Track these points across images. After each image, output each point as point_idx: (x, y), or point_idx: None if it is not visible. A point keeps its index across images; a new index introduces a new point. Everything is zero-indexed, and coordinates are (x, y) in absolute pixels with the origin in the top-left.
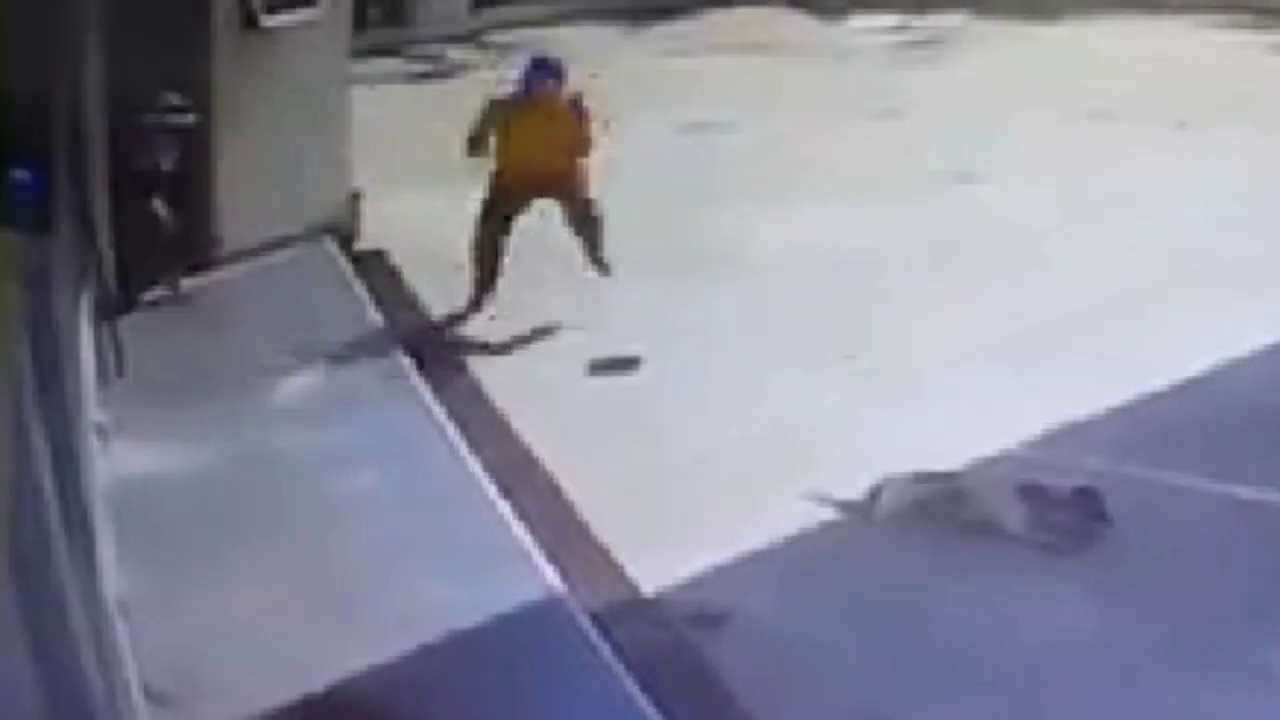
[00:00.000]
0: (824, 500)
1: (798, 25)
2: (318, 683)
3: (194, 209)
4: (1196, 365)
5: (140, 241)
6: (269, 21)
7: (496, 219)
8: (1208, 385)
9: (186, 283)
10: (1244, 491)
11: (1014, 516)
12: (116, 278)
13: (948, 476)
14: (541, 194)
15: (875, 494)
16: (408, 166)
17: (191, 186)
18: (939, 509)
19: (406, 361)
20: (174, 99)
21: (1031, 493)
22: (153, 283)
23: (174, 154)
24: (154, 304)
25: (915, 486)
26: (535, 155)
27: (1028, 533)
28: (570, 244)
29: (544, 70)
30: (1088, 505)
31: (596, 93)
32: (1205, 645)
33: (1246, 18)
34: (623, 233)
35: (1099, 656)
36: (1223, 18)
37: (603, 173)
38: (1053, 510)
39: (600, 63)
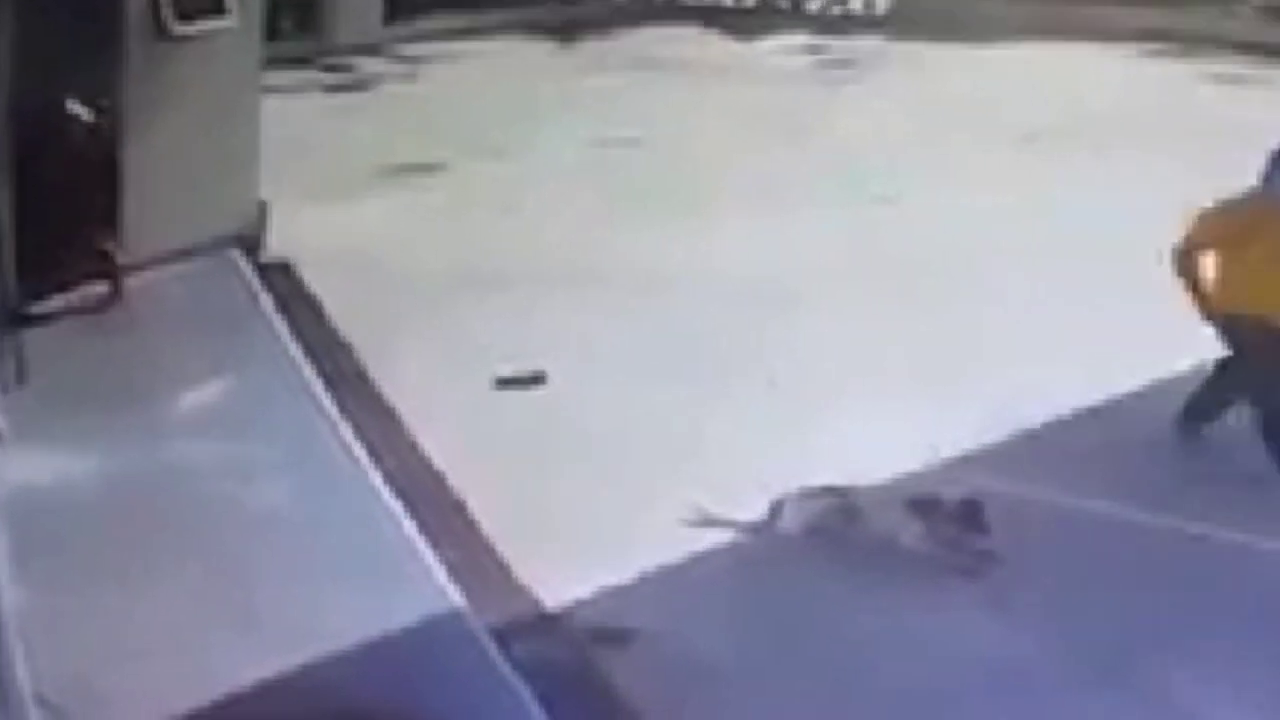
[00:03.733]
0: (725, 520)
1: (717, 45)
2: (213, 695)
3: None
4: (1107, 390)
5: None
6: (180, 29)
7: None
8: (1117, 410)
9: (91, 291)
10: (1143, 517)
11: (908, 531)
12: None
13: (842, 492)
14: None
15: (776, 511)
16: (317, 178)
17: (99, 194)
18: (835, 525)
19: (313, 375)
20: (81, 106)
21: (923, 507)
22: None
23: (81, 159)
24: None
25: (810, 502)
26: None
27: (921, 547)
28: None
29: None
30: (969, 517)
31: (519, 106)
32: (1109, 668)
33: (1176, 47)
34: (535, 248)
35: (1002, 678)
36: (1151, 46)
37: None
38: (943, 524)
39: (519, 77)
